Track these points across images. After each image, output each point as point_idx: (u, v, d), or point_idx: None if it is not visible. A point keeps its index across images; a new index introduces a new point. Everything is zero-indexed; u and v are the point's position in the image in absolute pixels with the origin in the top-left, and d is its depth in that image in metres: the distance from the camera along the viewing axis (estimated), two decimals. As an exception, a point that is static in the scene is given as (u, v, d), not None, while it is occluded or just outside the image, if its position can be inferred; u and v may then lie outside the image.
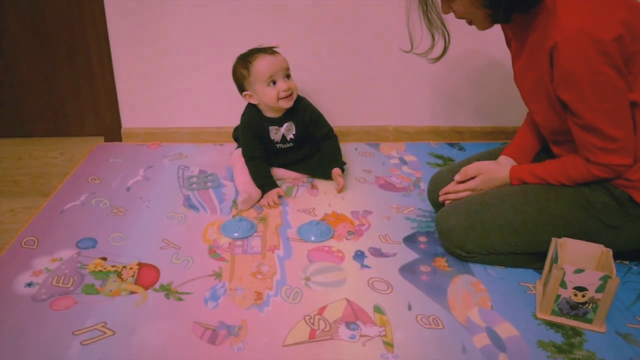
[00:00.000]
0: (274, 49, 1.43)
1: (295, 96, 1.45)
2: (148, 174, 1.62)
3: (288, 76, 1.43)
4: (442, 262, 1.23)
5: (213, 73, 1.79)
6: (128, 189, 1.53)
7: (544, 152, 1.26)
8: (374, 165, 1.71)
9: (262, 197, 1.48)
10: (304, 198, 1.51)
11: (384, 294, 1.13)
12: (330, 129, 1.56)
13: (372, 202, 1.48)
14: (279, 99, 1.41)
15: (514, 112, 1.82)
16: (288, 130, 1.49)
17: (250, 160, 1.50)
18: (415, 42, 1.12)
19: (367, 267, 1.22)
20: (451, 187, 1.24)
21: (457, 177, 1.23)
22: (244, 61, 1.42)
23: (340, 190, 1.51)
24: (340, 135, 1.69)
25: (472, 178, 1.22)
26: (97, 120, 1.86)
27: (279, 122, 1.48)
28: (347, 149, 1.78)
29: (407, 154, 1.79)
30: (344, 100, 1.84)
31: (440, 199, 1.26)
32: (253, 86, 1.43)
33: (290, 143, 1.52)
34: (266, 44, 1.47)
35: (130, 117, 1.85)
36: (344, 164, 1.57)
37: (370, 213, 1.43)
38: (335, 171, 1.51)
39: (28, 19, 1.72)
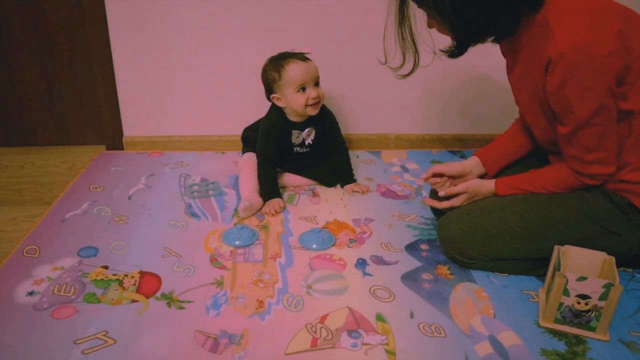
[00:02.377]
0: (306, 55, 1.44)
1: (321, 104, 1.47)
2: (149, 182, 1.63)
3: (317, 84, 1.44)
4: (444, 269, 1.23)
5: (215, 81, 1.79)
6: (129, 198, 1.54)
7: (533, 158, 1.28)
8: (375, 173, 1.71)
9: (263, 205, 1.48)
10: (306, 206, 1.51)
11: (386, 302, 1.13)
12: (344, 141, 1.57)
13: (373, 210, 1.48)
14: (306, 105, 1.43)
15: (516, 116, 1.82)
16: (308, 135, 1.51)
17: (264, 162, 1.49)
18: (389, 56, 1.15)
19: (369, 275, 1.22)
20: (436, 203, 1.26)
21: (442, 193, 1.24)
22: (276, 64, 1.42)
23: (364, 192, 1.54)
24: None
25: (450, 179, 1.26)
26: (99, 129, 1.86)
27: (301, 126, 1.50)
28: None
29: (408, 162, 1.79)
30: (345, 107, 1.85)
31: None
32: (282, 90, 1.44)
33: (307, 148, 1.54)
34: (293, 49, 1.47)
35: (131, 126, 1.85)
36: (355, 179, 1.58)
37: (371, 221, 1.43)
38: (349, 187, 1.55)
39: (30, 27, 1.73)
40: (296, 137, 1.50)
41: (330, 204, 1.52)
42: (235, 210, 1.48)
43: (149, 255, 1.27)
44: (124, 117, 1.84)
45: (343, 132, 1.86)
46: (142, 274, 1.20)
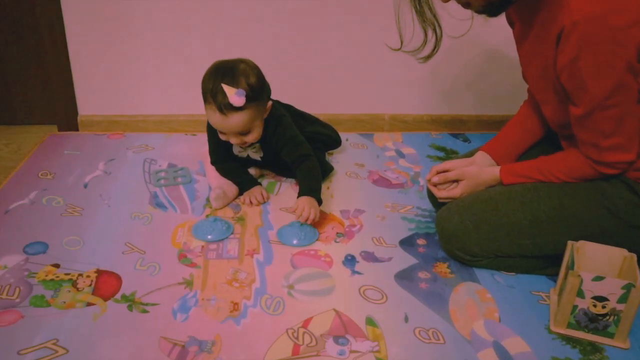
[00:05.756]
0: (235, 103, 1.28)
1: (254, 142, 1.40)
2: (109, 168, 1.61)
3: (245, 132, 1.36)
4: (443, 267, 1.23)
5: (185, 54, 1.77)
6: (85, 186, 1.52)
7: (545, 145, 1.28)
8: (367, 158, 1.70)
9: (239, 194, 1.47)
10: (287, 195, 1.50)
11: (377, 304, 1.13)
12: (304, 153, 1.42)
13: (364, 200, 1.48)
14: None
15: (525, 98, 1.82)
16: (255, 152, 1.48)
17: (216, 164, 1.50)
18: (405, 39, 1.13)
19: (359, 273, 1.21)
20: (435, 190, 1.26)
21: (435, 179, 1.24)
22: (205, 88, 1.32)
23: (303, 219, 1.31)
24: (330, 123, 1.68)
25: (455, 182, 1.24)
26: (49, 107, 1.83)
27: None
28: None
29: (404, 146, 1.79)
30: (333, 85, 1.83)
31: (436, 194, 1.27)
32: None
33: (258, 161, 1.51)
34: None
35: (88, 103, 1.83)
36: (318, 197, 1.36)
37: (362, 212, 1.43)
38: (300, 200, 1.33)
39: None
40: (239, 151, 1.48)
41: (315, 193, 1.51)
42: (208, 200, 1.47)
43: (108, 251, 1.26)
44: (79, 93, 1.81)
45: (331, 112, 1.85)
46: (99, 273, 1.19)
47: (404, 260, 1.26)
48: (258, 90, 1.32)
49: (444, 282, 1.19)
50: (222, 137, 1.38)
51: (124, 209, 1.41)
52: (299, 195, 1.36)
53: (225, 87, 1.27)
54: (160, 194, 1.49)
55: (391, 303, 1.13)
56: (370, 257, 1.27)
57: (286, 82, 1.74)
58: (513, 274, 1.22)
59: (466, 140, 1.83)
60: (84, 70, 1.78)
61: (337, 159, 1.69)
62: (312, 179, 1.40)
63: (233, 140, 1.37)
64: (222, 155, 1.49)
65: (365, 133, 1.87)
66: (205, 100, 1.33)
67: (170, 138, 1.79)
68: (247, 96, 1.28)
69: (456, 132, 1.89)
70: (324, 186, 1.53)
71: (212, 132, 1.43)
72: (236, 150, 1.48)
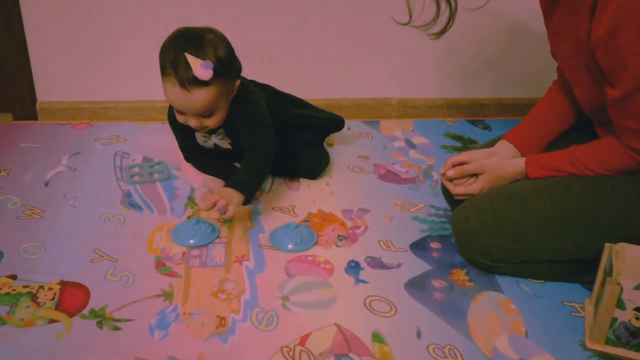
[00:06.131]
0: (201, 76, 1.25)
1: (215, 126, 1.38)
2: (74, 163, 1.61)
3: (209, 115, 1.34)
4: (461, 275, 1.24)
5: (159, 31, 1.73)
6: (46, 184, 1.52)
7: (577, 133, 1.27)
8: (372, 149, 1.71)
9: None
10: (281, 193, 1.50)
11: (385, 317, 1.13)
12: (259, 139, 1.39)
13: (369, 198, 1.49)
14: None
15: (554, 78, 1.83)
16: (221, 139, 1.46)
17: (190, 160, 1.50)
18: (414, 12, 1.12)
19: (364, 282, 1.22)
20: (450, 185, 1.27)
21: (451, 173, 1.24)
22: (163, 58, 1.31)
23: (220, 217, 1.34)
24: (330, 109, 1.67)
25: (473, 176, 1.24)
26: (2, 93, 1.83)
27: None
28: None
29: (415, 135, 1.79)
30: (332, 65, 1.83)
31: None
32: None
33: (230, 150, 1.48)
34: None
35: (48, 88, 1.82)
36: (247, 194, 1.33)
37: (367, 212, 1.43)
38: (221, 189, 1.33)
39: None
40: (203, 140, 1.47)
41: (313, 191, 1.51)
42: (190, 198, 1.47)
43: (73, 259, 1.26)
44: (38, 76, 1.81)
45: (331, 96, 1.84)
46: (64, 284, 1.19)
47: (416, 266, 1.26)
48: (227, 65, 1.30)
49: (461, 292, 1.19)
50: (180, 119, 1.36)
51: (92, 210, 1.41)
52: (226, 184, 1.34)
53: (190, 58, 1.25)
54: (134, 193, 1.49)
55: (401, 316, 1.13)
56: (376, 263, 1.27)
57: (277, 61, 1.73)
58: (542, 281, 1.22)
59: (486, 127, 1.84)
60: (44, 50, 1.77)
61: (338, 150, 1.69)
62: (251, 171, 1.38)
63: (192, 123, 1.34)
64: (194, 148, 1.48)
65: (370, 120, 1.87)
66: (164, 73, 1.30)
67: (145, 127, 1.79)
68: (214, 70, 1.26)
69: (475, 118, 1.90)
70: (322, 183, 1.53)
71: (175, 122, 1.41)
72: (200, 140, 1.47)
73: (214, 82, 1.27)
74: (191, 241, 1.30)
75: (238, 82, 1.37)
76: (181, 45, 1.27)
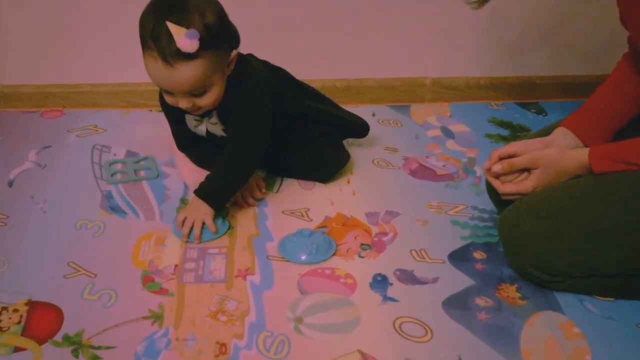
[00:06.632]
0: (187, 49, 1.25)
1: (208, 108, 1.38)
2: (43, 158, 1.61)
3: (201, 93, 1.34)
4: (511, 291, 1.23)
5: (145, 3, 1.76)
6: (10, 184, 1.53)
7: None
8: (401, 139, 1.71)
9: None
10: (292, 193, 1.51)
11: (419, 342, 1.13)
12: (243, 134, 1.39)
13: (398, 198, 1.49)
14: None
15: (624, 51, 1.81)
16: (215, 125, 1.46)
17: (185, 149, 1.52)
18: None
19: (393, 300, 1.22)
20: (496, 183, 1.26)
21: (498, 168, 1.24)
22: (142, 31, 1.32)
23: (194, 238, 1.35)
24: (350, 92, 1.67)
25: (524, 171, 1.24)
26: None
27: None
28: (361, 115, 1.75)
29: (453, 122, 1.79)
30: (356, 40, 1.83)
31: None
32: None
33: (225, 138, 1.48)
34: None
35: (11, 69, 1.84)
36: (213, 201, 1.36)
37: (396, 215, 1.43)
38: (189, 207, 1.38)
39: None
40: (194, 125, 1.47)
41: (330, 190, 1.52)
42: (183, 201, 1.48)
43: (43, 275, 1.26)
44: (1, 55, 1.82)
45: (352, 76, 1.84)
46: (32, 305, 1.19)
47: (456, 281, 1.26)
48: (217, 32, 1.30)
49: (512, 312, 1.18)
50: (169, 100, 1.36)
51: (66, 216, 1.42)
52: (195, 190, 1.38)
53: (172, 27, 1.25)
54: (116, 194, 1.49)
55: (438, 341, 1.13)
56: (408, 277, 1.27)
57: (288, 36, 1.73)
58: (611, 299, 1.21)
59: (540, 111, 1.84)
60: (7, 25, 1.79)
61: (361, 141, 1.69)
62: (223, 172, 1.39)
63: (182, 104, 1.35)
64: (187, 135, 1.49)
65: (399, 105, 1.87)
66: (144, 47, 1.31)
67: (129, 116, 1.80)
68: (201, 40, 1.25)
69: (526, 100, 1.89)
70: (342, 181, 1.53)
71: (162, 103, 1.43)
72: (191, 124, 1.47)
73: (202, 54, 1.27)
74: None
75: (235, 52, 1.37)
76: (162, 13, 1.27)
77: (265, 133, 1.40)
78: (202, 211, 1.34)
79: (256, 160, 1.42)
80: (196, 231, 1.33)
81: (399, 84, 1.88)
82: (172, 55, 1.26)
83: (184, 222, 1.34)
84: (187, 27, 1.25)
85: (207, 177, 1.38)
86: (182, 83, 1.30)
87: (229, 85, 1.38)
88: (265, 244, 1.34)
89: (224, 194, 1.38)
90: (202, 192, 1.36)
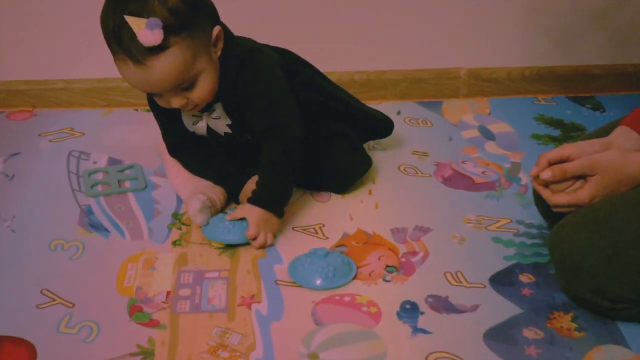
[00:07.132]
0: (148, 48, 1.26)
1: (204, 104, 1.41)
2: (11, 167, 1.63)
3: (189, 86, 1.36)
4: (565, 321, 1.23)
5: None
6: None
7: None
8: (432, 142, 1.72)
9: (226, 196, 1.49)
10: (304, 206, 1.52)
11: (457, 382, 1.13)
12: (280, 122, 1.43)
13: (430, 212, 1.49)
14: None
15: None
16: (217, 120, 1.46)
17: (177, 154, 1.53)
18: None
19: (424, 332, 1.22)
20: (546, 193, 1.26)
21: (547, 175, 1.23)
22: (105, 31, 1.32)
23: (256, 245, 1.40)
24: (371, 87, 1.68)
25: (579, 179, 1.23)
26: None
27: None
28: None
29: (493, 120, 1.80)
30: (376, 25, 1.84)
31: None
32: None
33: (231, 136, 1.49)
34: None
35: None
36: (277, 210, 1.43)
37: (427, 231, 1.44)
38: (249, 212, 1.40)
39: None
40: (192, 122, 1.48)
41: (349, 202, 1.52)
42: (176, 217, 1.48)
43: (12, 305, 1.27)
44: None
45: (373, 68, 1.85)
46: (0, 341, 1.19)
47: (499, 309, 1.26)
48: (186, 13, 1.29)
49: (567, 346, 1.18)
50: (161, 103, 1.38)
51: (38, 235, 1.43)
52: (249, 199, 1.39)
53: (131, 20, 1.24)
54: (97, 209, 1.50)
55: (480, 380, 1.13)
56: (442, 304, 1.27)
57: (295, 19, 1.74)
58: (685, 330, 1.21)
59: (597, 107, 1.84)
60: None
61: (384, 144, 1.69)
62: (277, 175, 1.41)
63: (175, 103, 1.36)
64: (181, 136, 1.50)
65: (430, 101, 1.88)
66: (111, 50, 1.32)
67: (110, 116, 1.82)
68: (168, 26, 1.26)
69: (580, 94, 1.89)
70: (363, 192, 1.54)
71: (155, 105, 1.44)
72: (188, 122, 1.48)
73: (173, 41, 1.28)
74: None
75: (218, 28, 1.37)
76: (119, 5, 1.28)
77: (295, 112, 1.43)
78: (271, 223, 1.39)
79: (302, 152, 1.43)
80: (269, 242, 1.39)
81: (428, 77, 1.89)
82: (139, 52, 1.27)
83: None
84: (148, 17, 1.24)
85: (262, 185, 1.40)
86: (163, 80, 1.30)
87: (227, 68, 1.38)
88: (272, 267, 1.35)
89: (283, 198, 1.43)
90: (267, 201, 1.39)
